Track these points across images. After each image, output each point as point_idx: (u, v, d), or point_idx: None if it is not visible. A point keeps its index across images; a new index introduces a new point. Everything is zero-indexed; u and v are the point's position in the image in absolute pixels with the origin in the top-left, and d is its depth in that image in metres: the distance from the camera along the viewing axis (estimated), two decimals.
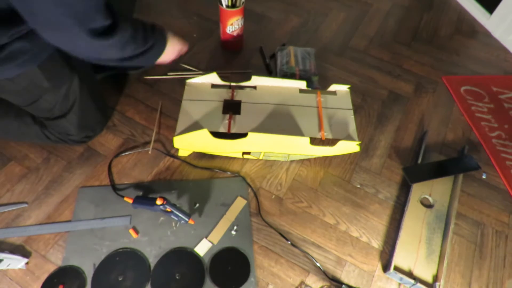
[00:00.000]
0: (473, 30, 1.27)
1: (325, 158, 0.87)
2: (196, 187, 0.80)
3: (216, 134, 0.77)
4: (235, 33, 1.05)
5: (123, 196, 0.75)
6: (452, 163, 0.86)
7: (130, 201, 0.73)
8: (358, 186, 0.83)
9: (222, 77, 0.89)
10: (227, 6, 0.99)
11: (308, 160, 0.87)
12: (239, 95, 0.87)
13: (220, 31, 1.07)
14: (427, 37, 1.22)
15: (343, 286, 0.68)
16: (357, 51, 1.15)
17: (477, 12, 1.29)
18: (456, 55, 1.17)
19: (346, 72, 1.08)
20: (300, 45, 1.11)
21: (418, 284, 0.68)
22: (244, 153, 0.82)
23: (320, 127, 0.81)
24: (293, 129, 0.80)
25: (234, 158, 0.85)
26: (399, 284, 0.70)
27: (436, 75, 1.10)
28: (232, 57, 1.09)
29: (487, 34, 1.25)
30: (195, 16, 1.22)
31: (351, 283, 0.70)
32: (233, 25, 1.03)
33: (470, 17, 1.32)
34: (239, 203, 0.78)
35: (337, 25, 1.23)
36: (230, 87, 0.89)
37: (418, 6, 1.35)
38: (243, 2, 0.99)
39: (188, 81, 0.89)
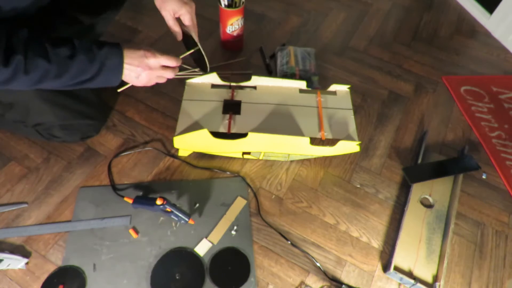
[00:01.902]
0: (473, 30, 1.27)
1: (325, 158, 0.87)
2: (196, 187, 0.80)
3: (216, 134, 0.77)
4: (235, 33, 1.05)
5: (123, 196, 0.75)
6: (452, 163, 0.86)
7: (130, 201, 0.73)
8: (358, 186, 0.83)
9: (222, 77, 0.89)
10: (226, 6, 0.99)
11: (308, 160, 0.87)
12: (239, 95, 0.87)
13: (220, 31, 1.07)
14: (427, 37, 1.23)
15: (343, 286, 0.68)
16: (357, 51, 1.15)
17: (477, 12, 1.29)
18: (456, 55, 1.17)
19: (346, 72, 1.08)
20: (300, 45, 1.11)
21: (418, 284, 0.68)
22: (244, 153, 0.82)
23: (320, 127, 0.81)
24: (293, 129, 0.80)
25: (234, 158, 0.85)
26: (399, 284, 0.70)
27: (436, 75, 1.10)
28: (232, 57, 1.09)
29: (487, 34, 1.25)
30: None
31: (351, 283, 0.70)
32: (233, 25, 1.03)
33: (470, 17, 1.32)
34: (239, 203, 0.78)
35: (337, 25, 1.23)
36: (230, 87, 0.89)
37: (418, 6, 1.35)
38: (243, 2, 0.99)
39: (188, 81, 0.89)
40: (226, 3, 0.98)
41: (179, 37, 0.74)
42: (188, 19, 0.75)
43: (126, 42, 0.69)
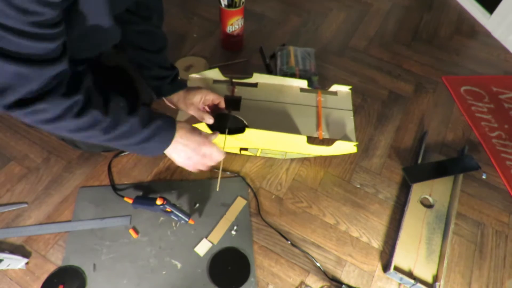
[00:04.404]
0: (473, 30, 1.27)
1: (325, 158, 0.87)
2: (196, 187, 0.80)
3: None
4: (235, 33, 1.05)
5: (123, 196, 0.75)
6: (452, 163, 0.86)
7: (130, 201, 0.73)
8: (358, 186, 0.83)
9: (224, 74, 0.90)
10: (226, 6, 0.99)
11: (308, 160, 0.87)
12: (240, 92, 0.87)
13: (220, 31, 1.07)
14: (427, 37, 1.22)
15: (343, 286, 0.68)
16: (357, 51, 1.15)
17: (477, 12, 1.29)
18: (456, 55, 1.17)
19: (346, 72, 1.08)
20: (300, 45, 1.11)
21: (418, 284, 0.68)
22: (241, 149, 0.83)
23: (318, 126, 0.81)
24: (292, 127, 0.81)
25: (234, 158, 0.85)
26: (399, 284, 0.70)
27: (436, 75, 1.10)
28: (232, 57, 1.09)
29: (487, 34, 1.25)
30: (195, 16, 1.22)
31: (351, 283, 0.70)
32: (233, 25, 1.03)
33: (470, 17, 1.32)
34: (239, 203, 0.78)
35: (337, 25, 1.23)
36: (231, 83, 0.89)
37: (418, 6, 1.35)
38: (243, 2, 0.99)
39: (191, 75, 0.90)
40: (226, 3, 0.98)
41: (212, 120, 0.76)
42: (215, 97, 0.78)
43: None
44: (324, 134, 0.80)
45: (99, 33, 0.53)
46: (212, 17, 1.21)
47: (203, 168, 0.69)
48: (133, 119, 0.57)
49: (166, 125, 0.62)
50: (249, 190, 0.80)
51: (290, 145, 0.79)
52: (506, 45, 1.20)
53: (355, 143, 0.78)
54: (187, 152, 0.65)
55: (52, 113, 0.49)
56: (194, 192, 0.79)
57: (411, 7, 1.34)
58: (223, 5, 0.98)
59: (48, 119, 0.49)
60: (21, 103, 0.46)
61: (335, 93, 0.89)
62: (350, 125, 0.83)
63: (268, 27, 1.21)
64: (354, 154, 0.88)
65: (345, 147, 0.79)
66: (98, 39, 0.56)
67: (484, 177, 0.86)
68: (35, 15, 0.39)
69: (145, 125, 0.58)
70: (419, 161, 0.86)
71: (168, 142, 0.62)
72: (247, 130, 0.75)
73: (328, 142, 0.79)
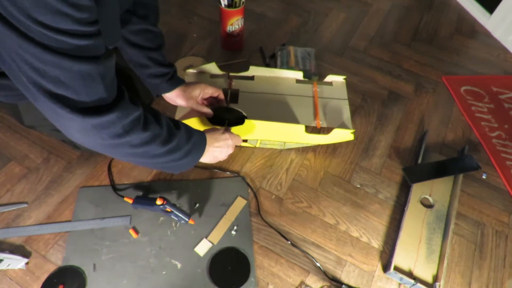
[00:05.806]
0: (473, 30, 1.27)
1: (325, 158, 0.87)
2: (196, 187, 0.80)
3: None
4: (235, 33, 1.05)
5: (123, 196, 0.75)
6: (452, 163, 0.86)
7: (130, 201, 0.73)
8: (358, 186, 0.83)
9: (221, 68, 0.91)
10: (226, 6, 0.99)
11: (308, 160, 0.87)
12: (237, 85, 0.89)
13: (220, 31, 1.07)
14: (427, 37, 1.22)
15: (343, 286, 0.68)
16: (357, 51, 1.15)
17: (477, 12, 1.29)
18: (456, 55, 1.17)
19: (346, 72, 1.08)
20: (300, 45, 1.11)
21: (418, 284, 0.68)
22: None
23: (315, 116, 0.82)
24: (289, 118, 0.82)
25: (234, 157, 0.85)
26: (399, 284, 0.70)
27: (436, 75, 1.10)
28: (232, 57, 1.09)
29: (487, 34, 1.25)
30: (195, 16, 1.22)
31: (351, 283, 0.70)
32: (233, 25, 1.03)
33: (470, 17, 1.32)
34: (239, 203, 0.78)
35: (337, 25, 1.23)
36: (228, 77, 0.90)
37: (418, 6, 1.35)
38: (243, 2, 0.99)
39: (188, 70, 0.91)
40: (226, 3, 0.98)
41: (211, 113, 0.79)
42: (214, 90, 0.80)
43: None
44: (321, 123, 0.82)
45: (108, 34, 0.54)
46: (212, 17, 1.21)
47: (225, 158, 0.72)
48: (180, 132, 0.58)
49: (200, 139, 0.64)
50: (249, 190, 0.80)
51: (289, 135, 0.80)
52: (506, 45, 1.20)
53: (352, 131, 0.79)
54: (213, 153, 0.68)
55: (122, 124, 0.47)
56: (194, 192, 0.79)
57: (411, 7, 1.34)
58: (223, 5, 0.98)
59: (117, 133, 0.47)
60: (94, 111, 0.44)
61: (330, 84, 0.91)
62: (346, 113, 0.84)
63: (268, 27, 1.21)
64: (354, 153, 0.88)
65: (342, 135, 0.81)
66: (107, 40, 0.56)
67: (484, 177, 0.86)
68: (86, 10, 0.38)
69: (188, 139, 0.60)
70: (419, 161, 0.86)
71: (200, 154, 0.65)
72: (247, 121, 0.76)
73: (325, 130, 0.81)
